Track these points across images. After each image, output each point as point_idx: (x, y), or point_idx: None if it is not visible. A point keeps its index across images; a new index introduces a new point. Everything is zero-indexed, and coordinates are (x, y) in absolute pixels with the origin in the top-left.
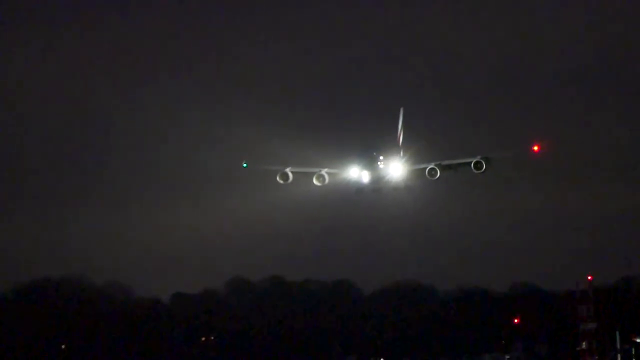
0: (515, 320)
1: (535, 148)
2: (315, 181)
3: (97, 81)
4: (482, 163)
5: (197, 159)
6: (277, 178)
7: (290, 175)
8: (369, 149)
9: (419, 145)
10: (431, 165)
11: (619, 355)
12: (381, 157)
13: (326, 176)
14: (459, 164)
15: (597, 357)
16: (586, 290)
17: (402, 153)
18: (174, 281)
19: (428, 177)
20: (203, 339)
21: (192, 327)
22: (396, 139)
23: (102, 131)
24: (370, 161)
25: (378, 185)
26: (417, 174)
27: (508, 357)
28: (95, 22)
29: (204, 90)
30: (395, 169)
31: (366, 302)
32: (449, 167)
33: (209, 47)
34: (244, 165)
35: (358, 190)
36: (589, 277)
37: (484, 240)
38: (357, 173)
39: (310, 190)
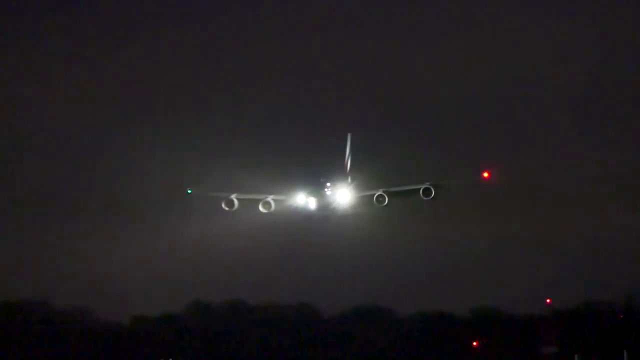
0: (474, 344)
1: (486, 175)
2: (261, 208)
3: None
4: (430, 190)
5: (143, 184)
6: (223, 205)
7: (236, 202)
8: (316, 175)
9: (366, 172)
10: (379, 192)
11: None
12: (328, 184)
13: (272, 203)
14: (408, 191)
15: None
16: (546, 314)
17: (349, 179)
18: (134, 304)
19: (376, 203)
20: None
21: (152, 349)
22: (344, 165)
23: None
24: (317, 187)
25: (326, 212)
26: (365, 201)
27: None
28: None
29: (145, 112)
30: (343, 195)
31: (326, 325)
32: (397, 193)
33: (146, 66)
34: (188, 191)
35: (306, 217)
36: (548, 301)
37: (443, 264)
38: (304, 200)
39: (261, 216)
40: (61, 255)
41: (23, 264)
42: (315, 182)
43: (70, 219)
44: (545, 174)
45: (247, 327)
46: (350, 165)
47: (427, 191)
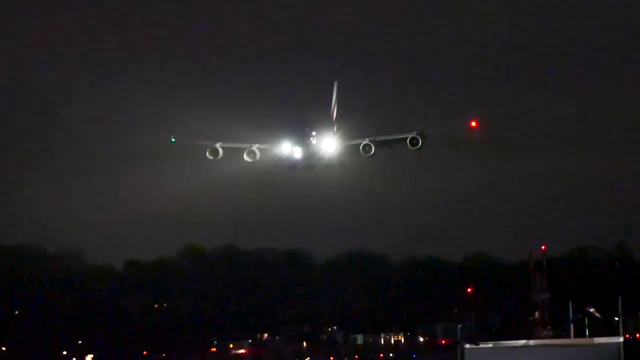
0: (468, 290)
1: (473, 124)
2: (245, 157)
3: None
4: (417, 139)
5: (130, 133)
6: (207, 154)
7: (221, 150)
8: (301, 124)
9: (353, 120)
10: (365, 141)
11: (571, 326)
12: (314, 133)
13: (257, 152)
14: (394, 140)
15: (549, 328)
16: (540, 260)
17: (335, 129)
18: (127, 249)
19: (362, 153)
20: (156, 305)
21: (144, 294)
22: (330, 114)
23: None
24: (302, 137)
25: (311, 161)
26: (351, 150)
27: (461, 326)
28: None
29: (130, 61)
30: (329, 145)
31: (319, 271)
32: (384, 143)
33: (137, 14)
34: (172, 140)
35: (290, 167)
36: (542, 247)
37: (437, 212)
38: (289, 149)
39: (251, 165)
40: (55, 202)
41: (16, 208)
42: (301, 131)
43: (61, 167)
44: (536, 121)
45: (239, 272)
46: (337, 114)
47: (414, 140)
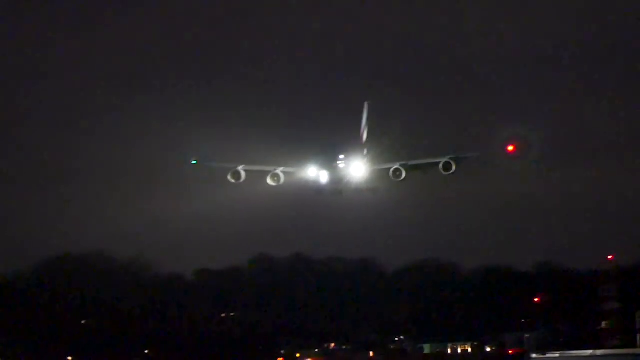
0: (536, 299)
1: (510, 148)
2: (269, 181)
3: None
4: (450, 164)
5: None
6: (229, 177)
7: (243, 173)
8: (329, 147)
9: (383, 143)
10: (396, 166)
11: (638, 336)
12: (342, 156)
13: (282, 175)
14: (427, 164)
15: (618, 337)
16: (609, 270)
17: (365, 152)
18: (198, 258)
19: (392, 178)
20: (223, 315)
21: (214, 303)
22: (359, 136)
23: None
24: (329, 160)
25: (338, 186)
26: (381, 175)
27: (528, 336)
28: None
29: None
30: (357, 169)
31: (389, 281)
32: (416, 167)
33: (162, 34)
34: (193, 162)
35: (317, 191)
36: (609, 257)
37: (505, 221)
38: (315, 173)
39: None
40: (125, 212)
41: (84, 217)
42: (328, 154)
43: (126, 180)
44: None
45: (308, 281)
46: (367, 136)
47: (447, 165)
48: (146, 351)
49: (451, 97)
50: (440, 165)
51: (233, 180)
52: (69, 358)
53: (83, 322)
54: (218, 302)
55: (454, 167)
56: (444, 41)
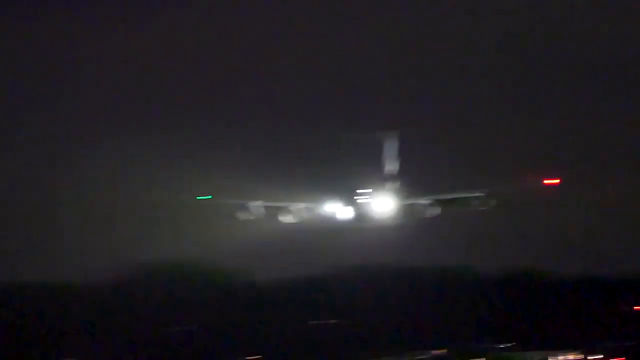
0: (637, 307)
1: (547, 182)
2: (284, 217)
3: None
4: (486, 199)
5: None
6: (239, 214)
7: (256, 210)
8: (352, 180)
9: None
10: (427, 200)
11: None
12: (365, 190)
13: (298, 212)
14: (459, 199)
15: None
16: None
17: (393, 185)
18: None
19: (423, 214)
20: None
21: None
22: (384, 168)
23: None
24: (352, 194)
25: (362, 223)
26: (410, 210)
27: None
28: None
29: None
30: (383, 204)
31: (485, 287)
32: (447, 202)
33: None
34: (208, 197)
35: (337, 229)
36: None
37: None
38: (335, 208)
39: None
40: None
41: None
42: (351, 187)
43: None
44: None
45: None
46: (395, 168)
47: (485, 200)
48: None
49: (490, 125)
50: (477, 201)
51: (244, 218)
52: None
53: (177, 328)
54: (307, 308)
55: (493, 203)
56: (474, 64)
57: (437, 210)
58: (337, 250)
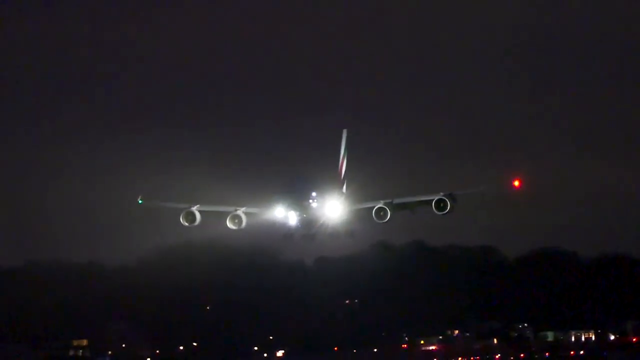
0: None
1: (516, 183)
2: (229, 223)
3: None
4: (446, 201)
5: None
6: (181, 219)
7: (198, 215)
8: (299, 183)
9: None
10: (380, 204)
11: None
12: (314, 194)
13: (243, 217)
14: (416, 203)
15: None
16: None
17: (343, 188)
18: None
19: (375, 219)
20: (347, 302)
21: (334, 289)
22: (336, 170)
23: None
24: (300, 198)
25: (311, 229)
26: (362, 215)
27: None
28: None
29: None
30: (333, 208)
31: (510, 268)
32: (404, 206)
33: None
34: (139, 201)
35: (286, 235)
36: None
37: (625, 207)
38: (283, 213)
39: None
40: None
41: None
42: (299, 191)
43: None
44: None
45: (429, 268)
46: (345, 170)
47: (441, 203)
48: (270, 337)
49: (447, 126)
50: (433, 204)
51: (186, 223)
52: (194, 344)
53: (207, 307)
54: (339, 289)
55: (449, 206)
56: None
57: (389, 216)
58: None
